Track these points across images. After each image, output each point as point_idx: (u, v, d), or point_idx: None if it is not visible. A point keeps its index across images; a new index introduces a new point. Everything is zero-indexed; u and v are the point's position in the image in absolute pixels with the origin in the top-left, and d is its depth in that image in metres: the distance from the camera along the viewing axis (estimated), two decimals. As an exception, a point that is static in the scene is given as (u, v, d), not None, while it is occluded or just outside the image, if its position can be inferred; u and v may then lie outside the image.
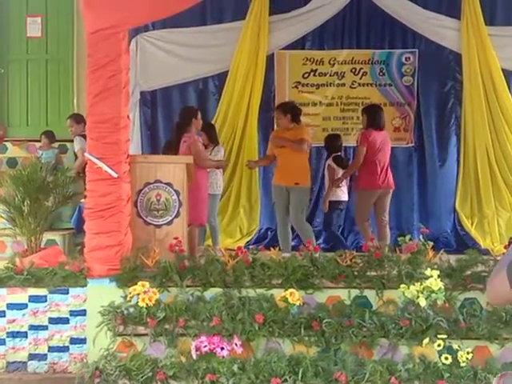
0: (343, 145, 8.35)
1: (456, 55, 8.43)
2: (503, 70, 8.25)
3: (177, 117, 7.35)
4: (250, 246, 6.26)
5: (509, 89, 8.28)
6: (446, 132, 8.57)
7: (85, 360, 4.88)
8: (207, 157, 7.02)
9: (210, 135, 7.57)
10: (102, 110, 5.00)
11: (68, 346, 5.03)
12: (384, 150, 7.17)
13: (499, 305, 2.02)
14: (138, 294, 4.70)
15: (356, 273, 4.99)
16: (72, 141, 8.44)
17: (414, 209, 8.57)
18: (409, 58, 8.54)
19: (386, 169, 7.17)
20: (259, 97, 8.46)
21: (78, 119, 7.91)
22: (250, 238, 8.40)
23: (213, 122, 8.15)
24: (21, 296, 5.04)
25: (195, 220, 6.40)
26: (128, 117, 5.31)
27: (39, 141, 8.42)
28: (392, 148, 8.42)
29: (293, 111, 7.12)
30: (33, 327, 5.03)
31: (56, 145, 8.47)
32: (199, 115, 6.80)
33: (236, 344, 4.52)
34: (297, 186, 6.92)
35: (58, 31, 9.01)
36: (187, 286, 4.91)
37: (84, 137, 7.18)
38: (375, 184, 7.06)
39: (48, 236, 6.57)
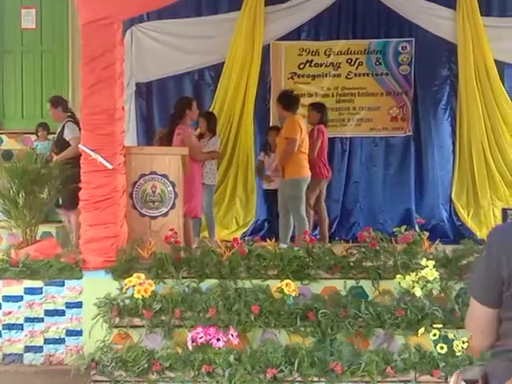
0: (340, 136, 8.54)
1: (452, 45, 8.42)
2: (497, 61, 8.24)
3: (173, 108, 7.31)
4: (246, 238, 6.27)
5: (502, 81, 8.29)
6: (442, 122, 8.59)
7: (81, 352, 4.87)
8: (200, 150, 6.99)
9: (210, 124, 7.57)
10: (97, 102, 4.97)
11: (64, 338, 5.02)
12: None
13: (484, 344, 2.05)
14: (134, 286, 4.69)
15: (352, 263, 4.99)
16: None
17: (410, 198, 8.56)
18: (405, 46, 8.53)
19: None
20: (255, 88, 8.46)
21: (55, 102, 7.44)
22: (245, 229, 8.41)
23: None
24: (16, 288, 5.02)
25: (189, 212, 6.39)
26: (123, 108, 5.28)
27: (34, 133, 8.38)
28: (389, 137, 8.53)
29: (283, 100, 7.05)
30: (29, 319, 5.02)
31: (51, 137, 8.43)
32: (194, 106, 6.74)
33: (232, 335, 4.52)
34: (284, 180, 6.99)
35: (53, 23, 8.96)
36: (183, 278, 4.90)
37: (74, 122, 7.08)
38: (326, 174, 7.75)
39: (43, 228, 6.57)
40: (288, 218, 6.98)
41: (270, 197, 8.23)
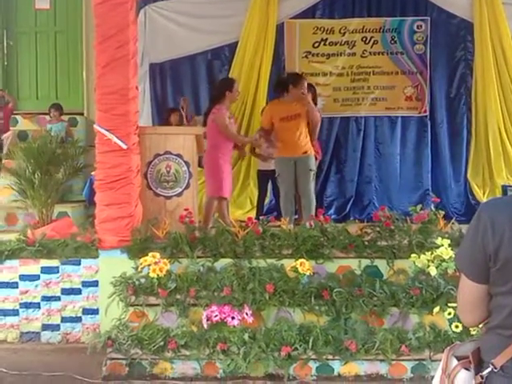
0: (355, 115, 8.48)
1: (468, 23, 8.31)
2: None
3: (187, 88, 7.30)
4: (261, 217, 6.25)
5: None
6: (457, 102, 8.50)
7: (97, 330, 4.93)
8: (234, 131, 6.77)
9: None
10: (111, 81, 4.97)
11: (80, 317, 5.09)
12: None
13: (474, 319, 2.01)
14: (149, 265, 4.72)
15: (367, 243, 4.99)
16: (82, 113, 8.44)
17: (426, 178, 8.51)
18: (421, 25, 8.43)
19: None
20: (269, 67, 8.40)
21: None
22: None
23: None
24: (33, 267, 5.08)
25: (216, 192, 6.29)
26: (137, 88, 5.28)
27: (48, 114, 8.39)
28: (404, 117, 8.45)
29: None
30: (46, 298, 5.09)
31: (66, 117, 8.45)
32: (235, 87, 6.51)
33: (247, 313, 4.55)
34: (305, 156, 6.62)
35: (67, 3, 8.95)
36: (198, 257, 4.93)
37: None
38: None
39: (59, 208, 6.61)
40: (292, 198, 6.84)
41: (266, 178, 7.86)
